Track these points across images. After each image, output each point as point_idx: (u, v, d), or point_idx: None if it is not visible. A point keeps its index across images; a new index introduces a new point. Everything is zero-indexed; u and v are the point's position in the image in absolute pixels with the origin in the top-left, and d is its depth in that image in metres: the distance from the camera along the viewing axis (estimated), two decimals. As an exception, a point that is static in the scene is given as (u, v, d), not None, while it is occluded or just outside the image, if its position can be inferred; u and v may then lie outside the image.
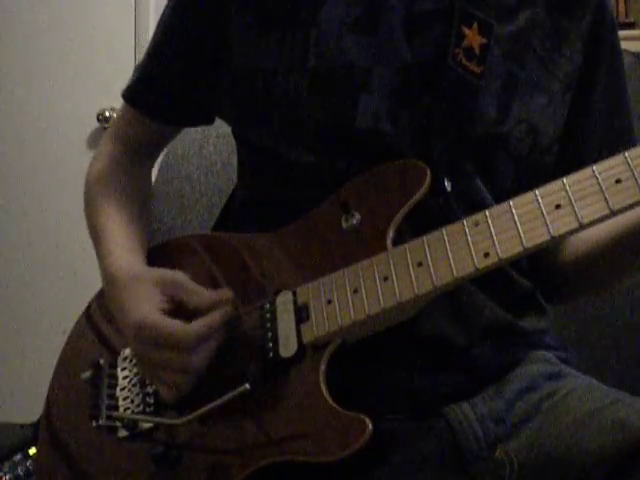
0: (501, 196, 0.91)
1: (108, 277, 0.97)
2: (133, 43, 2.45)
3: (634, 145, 1.00)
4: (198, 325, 0.86)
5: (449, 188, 0.88)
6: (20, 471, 1.44)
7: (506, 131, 0.91)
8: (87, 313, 1.08)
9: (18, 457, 1.45)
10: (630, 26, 2.36)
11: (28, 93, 2.51)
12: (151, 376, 0.90)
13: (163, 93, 1.05)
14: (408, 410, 0.88)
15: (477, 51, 0.90)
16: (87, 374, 0.99)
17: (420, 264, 0.79)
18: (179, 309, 0.88)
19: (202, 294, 0.90)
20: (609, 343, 1.35)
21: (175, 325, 0.86)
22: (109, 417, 0.94)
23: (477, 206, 0.87)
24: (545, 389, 0.89)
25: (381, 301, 0.80)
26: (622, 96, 1.02)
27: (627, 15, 2.42)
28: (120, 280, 0.94)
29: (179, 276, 0.91)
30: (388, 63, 0.90)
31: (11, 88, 2.52)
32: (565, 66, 0.96)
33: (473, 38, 0.90)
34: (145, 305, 0.88)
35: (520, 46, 0.93)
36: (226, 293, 0.89)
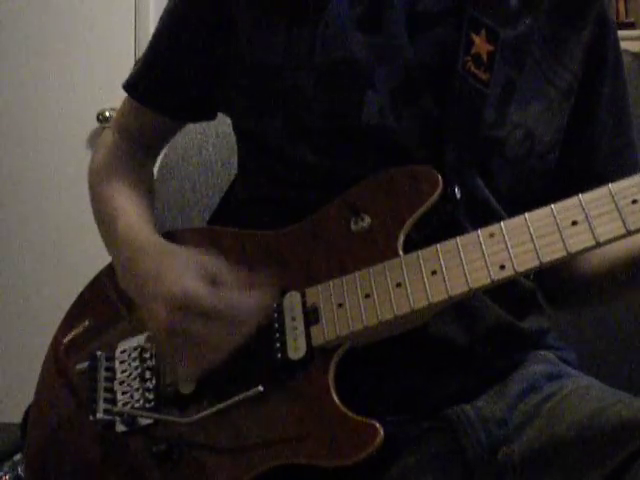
0: (500, 201, 0.91)
1: (134, 249, 0.93)
2: (133, 43, 2.45)
3: (636, 159, 1.01)
4: (254, 298, 0.84)
5: (459, 195, 0.88)
6: (20, 471, 1.45)
7: (503, 135, 0.91)
8: (78, 304, 1.06)
9: (18, 457, 1.45)
10: (630, 26, 2.36)
11: (28, 93, 2.50)
12: (176, 350, 0.86)
13: (167, 86, 1.04)
14: (410, 412, 0.88)
15: (484, 58, 0.90)
16: (83, 365, 0.97)
17: (434, 272, 0.79)
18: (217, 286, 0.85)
19: (244, 276, 0.86)
20: (609, 343, 1.35)
21: (221, 294, 0.83)
22: (107, 411, 0.93)
23: (481, 211, 0.87)
24: (546, 390, 0.89)
25: (394, 308, 0.80)
26: (625, 108, 1.03)
27: (627, 15, 2.42)
28: (151, 250, 0.91)
29: (215, 255, 0.88)
30: (390, 61, 0.90)
31: (11, 88, 2.52)
32: (564, 74, 0.96)
33: (481, 45, 0.90)
34: (187, 276, 0.84)
35: (519, 52, 0.93)
36: (270, 278, 0.87)
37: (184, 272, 0.85)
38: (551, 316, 1.01)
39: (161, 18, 1.04)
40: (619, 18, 2.38)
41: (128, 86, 1.07)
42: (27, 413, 1.04)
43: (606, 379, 0.91)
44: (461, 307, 0.87)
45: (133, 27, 2.47)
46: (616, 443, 0.77)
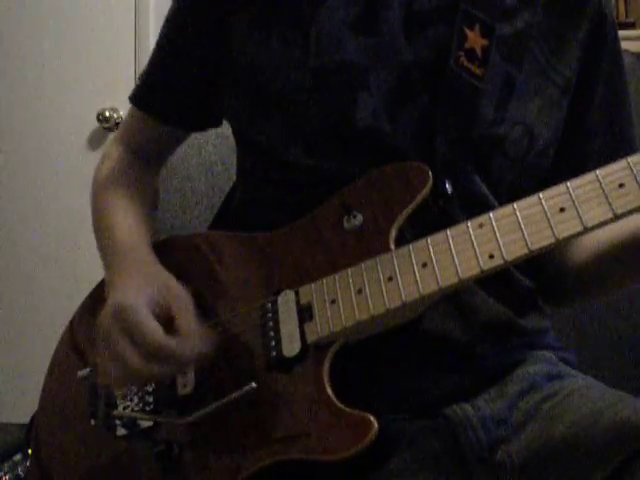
0: (498, 198, 0.91)
1: (114, 262, 0.96)
2: (133, 43, 2.45)
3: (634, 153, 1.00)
4: (180, 344, 0.83)
5: (450, 190, 0.88)
6: (20, 471, 1.45)
7: (503, 133, 0.91)
8: (82, 310, 1.07)
9: (18, 457, 1.46)
10: (630, 26, 2.36)
11: (28, 93, 2.51)
12: (103, 353, 0.87)
13: (171, 95, 1.05)
14: (409, 410, 0.88)
15: (479, 53, 0.90)
16: (85, 372, 0.98)
17: (425, 265, 0.79)
18: (163, 319, 0.86)
19: (192, 324, 0.86)
20: (609, 343, 1.35)
21: (156, 329, 0.83)
22: (107, 415, 0.93)
23: (478, 207, 0.87)
24: (546, 390, 0.89)
25: (386, 301, 0.80)
26: (623, 103, 1.02)
27: (627, 15, 2.42)
28: (127, 262, 0.93)
29: (183, 293, 0.89)
30: (386, 62, 0.90)
31: (11, 88, 2.52)
32: (562, 71, 0.96)
33: (475, 40, 0.90)
34: (139, 296, 0.86)
35: (518, 48, 0.93)
36: (213, 339, 0.86)
37: (140, 291, 0.87)
38: (550, 316, 1.01)
39: (161, 29, 1.05)
40: (619, 18, 2.38)
41: (134, 97, 1.08)
42: (33, 418, 1.05)
43: (606, 379, 0.91)
44: (460, 305, 0.88)
45: (133, 27, 2.46)
46: (616, 444, 0.77)
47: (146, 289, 0.88)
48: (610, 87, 1.00)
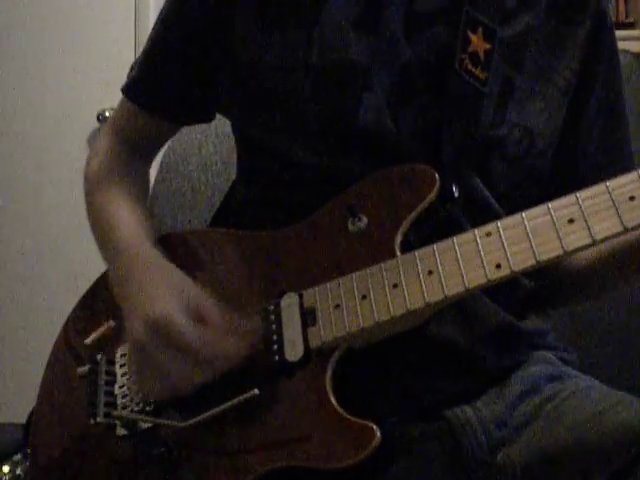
0: (498, 200, 0.91)
1: (126, 261, 0.94)
2: (133, 43, 2.46)
3: (629, 156, 1.00)
4: (230, 344, 0.83)
5: (457, 194, 0.87)
6: (20, 471, 1.44)
7: (502, 134, 0.91)
8: (79, 307, 1.06)
9: (18, 457, 1.45)
10: (630, 26, 2.36)
11: (28, 93, 2.51)
12: (140, 370, 0.86)
13: (164, 88, 1.04)
14: (410, 413, 0.87)
15: (482, 57, 0.90)
16: (84, 369, 0.97)
17: (431, 272, 0.79)
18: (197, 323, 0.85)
19: (230, 320, 0.86)
20: (609, 343, 1.35)
21: (209, 337, 0.82)
22: (107, 415, 0.92)
23: (480, 211, 0.87)
24: (547, 391, 0.88)
25: (390, 309, 0.79)
26: (619, 104, 1.02)
27: (627, 15, 2.41)
28: (141, 264, 0.92)
29: (204, 293, 0.87)
30: (387, 61, 0.90)
31: (11, 88, 2.52)
32: (562, 72, 0.95)
33: (478, 43, 0.90)
34: (172, 303, 0.84)
35: (518, 51, 0.93)
36: (254, 324, 0.86)
37: (170, 298, 0.85)
38: (551, 316, 1.01)
39: (156, 22, 1.04)
40: (619, 18, 2.38)
41: (127, 90, 1.07)
42: (31, 416, 1.04)
43: (606, 380, 0.91)
44: (461, 308, 0.87)
45: (133, 27, 2.47)
46: (618, 446, 0.77)
47: (173, 294, 0.85)
48: (608, 88, 1.00)
